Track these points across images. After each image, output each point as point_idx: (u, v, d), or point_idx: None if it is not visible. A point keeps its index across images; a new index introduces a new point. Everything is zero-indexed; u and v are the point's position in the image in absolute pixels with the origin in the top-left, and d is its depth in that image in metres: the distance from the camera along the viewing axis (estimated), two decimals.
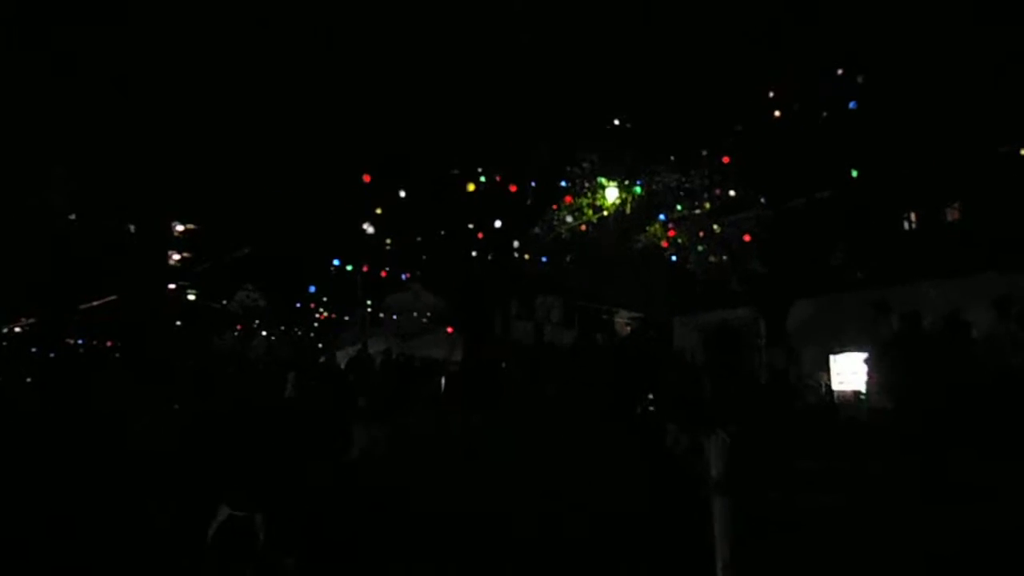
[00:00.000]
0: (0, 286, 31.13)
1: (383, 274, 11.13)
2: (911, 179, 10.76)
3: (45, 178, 33.70)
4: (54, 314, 24.57)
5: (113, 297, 20.57)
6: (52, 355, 24.19)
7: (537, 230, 11.34)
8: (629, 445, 5.89)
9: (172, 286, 25.45)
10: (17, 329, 29.23)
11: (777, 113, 9.33)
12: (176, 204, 27.50)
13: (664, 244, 12.53)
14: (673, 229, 11.39)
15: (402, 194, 9.61)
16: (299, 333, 20.19)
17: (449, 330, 15.84)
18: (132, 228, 33.68)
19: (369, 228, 9.19)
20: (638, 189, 10.61)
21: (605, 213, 12.43)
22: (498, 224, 9.93)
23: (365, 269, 10.76)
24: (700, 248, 12.50)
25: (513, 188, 9.87)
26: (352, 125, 9.16)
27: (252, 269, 19.26)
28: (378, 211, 9.37)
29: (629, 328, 21.34)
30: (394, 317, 17.66)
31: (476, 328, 11.35)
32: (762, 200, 11.06)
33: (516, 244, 10.42)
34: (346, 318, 19.12)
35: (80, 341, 23.70)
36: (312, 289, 13.55)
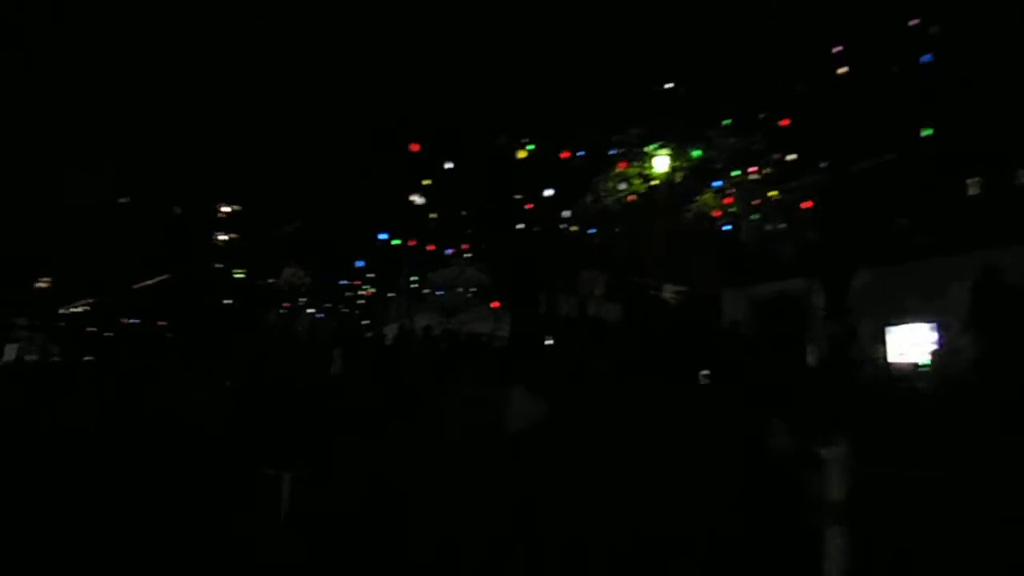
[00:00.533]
0: (57, 270, 32.23)
1: (430, 248, 10.97)
2: (985, 139, 10.08)
3: (93, 163, 34.59)
4: (109, 295, 25.28)
5: (165, 276, 20.99)
6: (109, 335, 24.98)
7: (589, 198, 11.01)
8: (717, 444, 5.19)
9: (219, 266, 25.88)
10: (75, 310, 30.25)
11: (843, 70, 8.78)
12: (220, 185, 27.87)
13: (716, 213, 12.09)
14: (730, 196, 10.93)
15: (449, 165, 9.38)
16: (344, 310, 20.33)
17: (494, 305, 15.70)
18: (178, 210, 34.43)
19: (418, 199, 9.00)
20: (697, 152, 10.16)
21: (655, 182, 12.03)
22: (549, 193, 9.62)
23: (412, 243, 10.63)
24: (755, 217, 12.02)
25: (565, 154, 9.54)
26: (400, 96, 8.95)
27: (298, 247, 19.38)
28: (426, 182, 9.16)
29: (675, 301, 20.91)
30: (438, 293, 17.59)
31: (524, 303, 11.14)
32: (824, 164, 10.51)
33: (566, 214, 10.10)
34: (390, 295, 19.14)
35: (135, 321, 24.35)
36: (360, 264, 13.48)
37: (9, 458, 6.81)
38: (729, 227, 12.36)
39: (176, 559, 4.85)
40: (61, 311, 26.38)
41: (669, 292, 22.47)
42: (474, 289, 17.59)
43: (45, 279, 34.09)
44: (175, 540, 5.09)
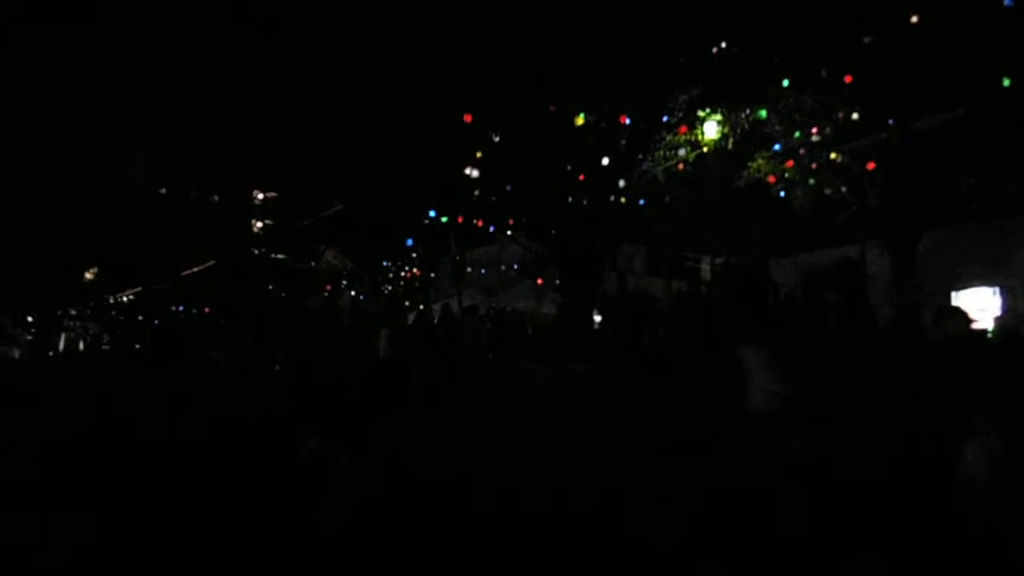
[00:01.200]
0: (104, 261, 32.92)
1: (479, 223, 10.75)
2: None
3: (132, 154, 35.15)
4: (157, 283, 25.72)
5: (212, 263, 21.24)
6: (157, 322, 25.48)
7: (646, 167, 10.63)
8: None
9: (257, 251, 26.14)
10: (124, 299, 30.96)
11: (915, 19, 8.23)
12: (257, 172, 28.03)
13: (771, 179, 11.62)
14: (792, 160, 10.46)
15: (496, 139, 9.13)
16: (388, 290, 20.34)
17: (539, 281, 15.48)
18: (216, 198, 34.85)
19: (473, 172, 8.77)
20: (762, 112, 9.72)
21: (705, 150, 11.60)
22: (605, 161, 9.29)
23: (460, 220, 10.42)
24: (812, 181, 11.53)
25: (623, 119, 9.19)
26: (445, 64, 8.69)
27: (339, 228, 19.38)
28: (479, 154, 8.92)
29: (714, 273, 20.57)
30: (482, 271, 17.46)
31: (575, 278, 10.88)
32: (890, 122, 9.96)
33: (622, 184, 9.77)
34: (432, 275, 19.07)
35: (182, 308, 24.78)
36: (409, 242, 13.34)
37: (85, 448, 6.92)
38: (783, 193, 11.88)
39: (244, 538, 4.86)
40: (111, 300, 26.97)
41: (708, 264, 22.03)
42: (516, 266, 17.42)
43: (93, 270, 34.94)
44: (242, 518, 5.11)
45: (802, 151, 10.53)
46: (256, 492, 5.35)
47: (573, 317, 10.97)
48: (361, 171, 10.41)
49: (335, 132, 9.84)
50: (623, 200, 11.11)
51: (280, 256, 22.88)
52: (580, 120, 8.37)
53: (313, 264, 21.79)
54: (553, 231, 11.09)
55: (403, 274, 19.41)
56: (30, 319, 34.87)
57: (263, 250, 23.87)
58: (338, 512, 5.28)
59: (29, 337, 34.08)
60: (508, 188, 9.55)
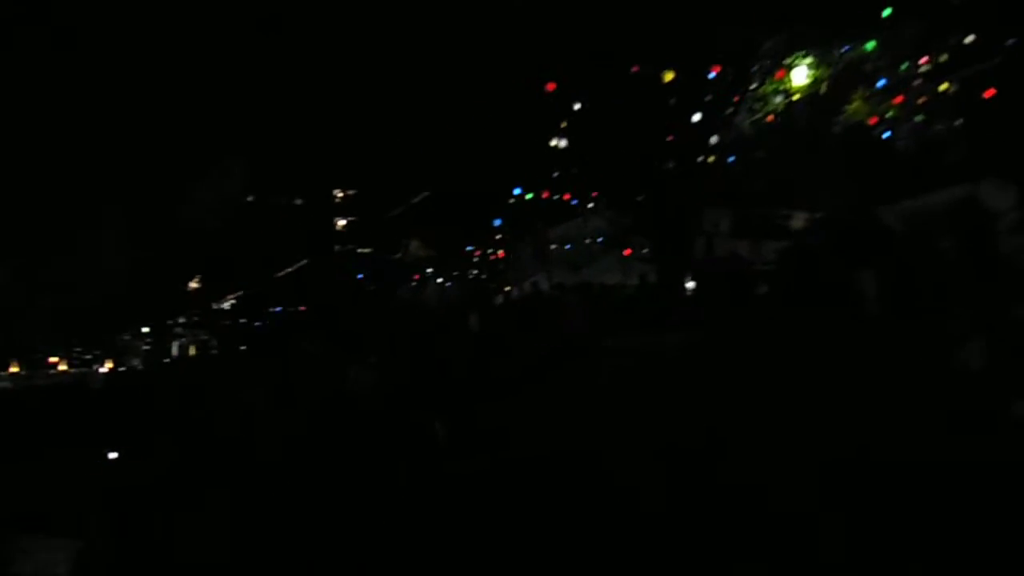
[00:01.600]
0: (205, 270, 34.80)
1: (565, 197, 10.56)
2: None
3: (220, 165, 36.90)
4: (254, 287, 26.98)
5: (304, 262, 22.02)
6: (258, 324, 26.75)
7: (739, 120, 10.14)
8: None
9: (343, 247, 26.92)
10: (224, 305, 32.68)
11: None
12: (336, 172, 28.84)
13: (872, 120, 10.84)
14: (901, 95, 9.70)
15: (578, 107, 8.90)
16: (474, 274, 20.51)
17: (626, 252, 15.12)
18: (299, 201, 36.15)
19: (560, 142, 8.59)
20: (870, 45, 9.04)
21: (795, 97, 10.95)
22: (696, 117, 8.91)
23: (545, 195, 10.27)
24: (919, 117, 10.68)
25: (716, 69, 8.75)
26: (522, 33, 8.50)
27: (422, 219, 19.65)
28: (563, 124, 8.73)
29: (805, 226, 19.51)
30: (567, 247, 17.27)
31: (667, 247, 10.55)
32: (1009, 42, 9.05)
33: (715, 140, 9.33)
34: (515, 256, 19.04)
35: (278, 309, 25.87)
36: (497, 222, 13.34)
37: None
38: (888, 134, 11.08)
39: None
40: (214, 307, 28.47)
41: (799, 221, 20.96)
42: (601, 240, 17.12)
43: (196, 279, 37.06)
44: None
45: (912, 84, 9.71)
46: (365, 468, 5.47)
47: (666, 286, 10.66)
48: (446, 156, 10.40)
49: (416, 120, 9.86)
50: (711, 159, 10.66)
51: (366, 250, 23.48)
52: (669, 76, 8.00)
53: (399, 255, 22.23)
54: (640, 199, 10.78)
55: (489, 257, 19.48)
56: (145, 330, 37.40)
57: (349, 246, 24.55)
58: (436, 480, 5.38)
59: (146, 347, 36.49)
60: (594, 157, 9.28)
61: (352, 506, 5.30)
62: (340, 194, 31.80)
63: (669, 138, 9.30)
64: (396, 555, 4.64)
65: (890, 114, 10.88)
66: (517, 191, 10.43)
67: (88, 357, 42.30)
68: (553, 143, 8.69)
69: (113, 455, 6.54)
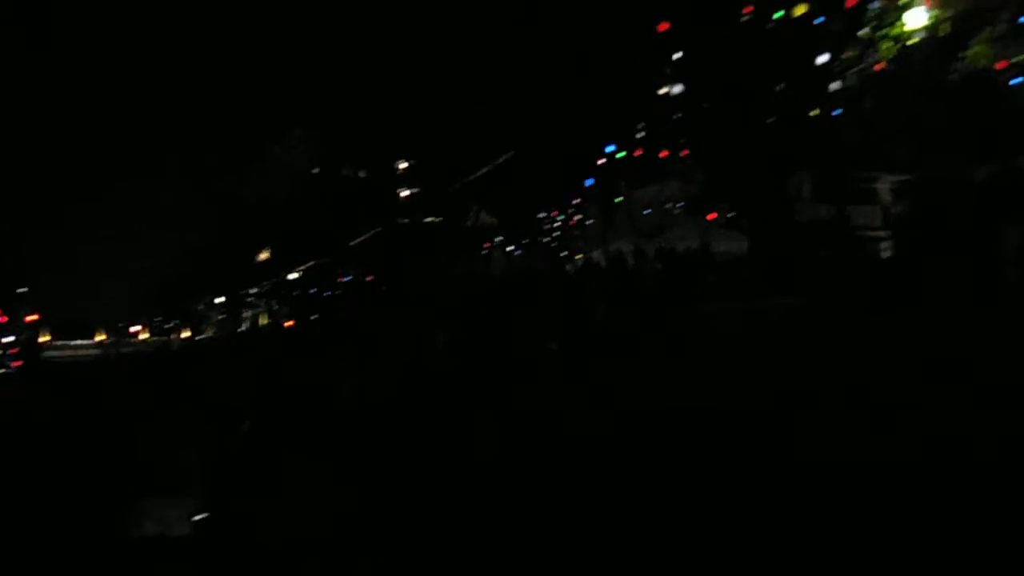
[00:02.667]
0: (274, 241, 35.51)
1: (663, 154, 9.94)
2: None
3: (288, 139, 37.45)
4: (327, 257, 27.28)
5: (374, 231, 22.03)
6: (327, 294, 27.09)
7: (863, 60, 9.27)
8: None
9: (409, 218, 26.86)
10: (292, 276, 33.30)
11: None
12: (401, 143, 28.76)
13: (1000, 64, 9.77)
14: None
15: (680, 56, 8.24)
16: (544, 242, 20.05)
17: (710, 216, 14.38)
18: (363, 173, 36.35)
19: (674, 88, 8.01)
20: None
21: (910, 42, 9.96)
22: (824, 58, 8.13)
23: (638, 153, 9.67)
24: None
25: (851, 2, 7.96)
26: None
27: (492, 186, 19.23)
28: (669, 71, 8.10)
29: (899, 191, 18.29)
30: (645, 212, 16.58)
31: (763, 209, 9.83)
32: None
33: (838, 86, 8.53)
34: (589, 222, 18.48)
35: (347, 279, 26.12)
36: (589, 183, 12.76)
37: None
38: (1019, 79, 9.98)
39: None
40: (288, 277, 28.99)
41: (884, 184, 19.62)
42: (681, 204, 16.39)
43: (266, 251, 37.91)
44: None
45: None
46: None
47: (765, 250, 9.99)
48: (536, 111, 9.89)
49: (504, 70, 9.35)
50: (815, 113, 9.84)
51: (434, 220, 23.32)
52: (801, 8, 7.27)
53: (469, 224, 21.98)
54: (738, 156, 10.05)
55: (563, 221, 18.94)
56: (218, 301, 38.63)
57: (417, 216, 24.45)
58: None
59: (221, 317, 37.68)
60: (699, 106, 8.62)
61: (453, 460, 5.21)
62: (403, 164, 31.78)
63: (779, 85, 8.55)
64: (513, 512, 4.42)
65: (1020, 57, 9.79)
66: (610, 148, 9.84)
67: (167, 326, 44.19)
68: (663, 91, 8.08)
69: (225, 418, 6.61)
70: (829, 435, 4.49)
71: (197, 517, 4.19)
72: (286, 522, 4.60)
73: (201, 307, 42.75)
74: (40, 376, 19.19)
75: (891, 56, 10.28)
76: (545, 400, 6.38)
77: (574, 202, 16.75)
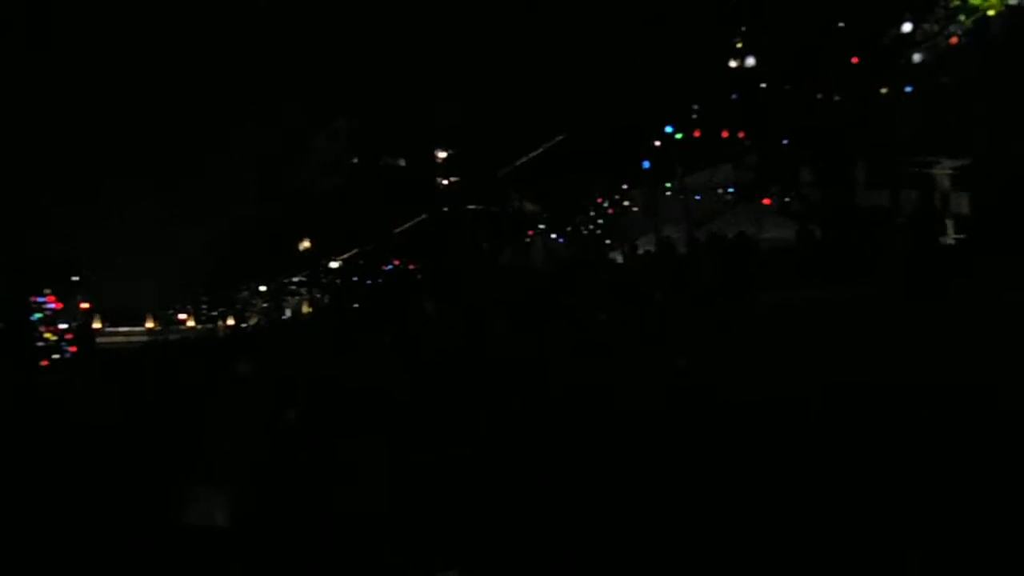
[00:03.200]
0: (315, 231, 35.85)
1: (724, 134, 9.45)
2: None
3: (332, 130, 37.73)
4: (365, 245, 27.35)
5: (423, 216, 21.92)
6: (370, 282, 27.15)
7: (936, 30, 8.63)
8: None
9: (450, 206, 26.70)
10: (334, 265, 33.54)
11: None
12: (439, 133, 28.63)
13: None
14: None
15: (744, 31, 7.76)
16: (586, 230, 19.60)
17: (766, 202, 13.78)
18: (402, 162, 36.38)
19: (747, 60, 7.54)
20: None
21: (990, 12, 9.27)
22: (907, 28, 7.57)
23: (697, 134, 9.21)
24: None
25: None
26: None
27: (537, 173, 18.86)
28: (739, 44, 7.63)
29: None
30: (697, 198, 16.00)
31: (818, 194, 9.27)
32: None
33: (918, 59, 7.95)
34: (635, 208, 17.96)
35: (391, 266, 26.12)
36: (646, 165, 12.29)
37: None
38: None
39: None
40: (332, 265, 29.18)
41: (942, 171, 18.65)
42: (732, 189, 15.78)
43: (307, 241, 38.31)
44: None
45: None
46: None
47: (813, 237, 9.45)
48: (589, 89, 9.50)
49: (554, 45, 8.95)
50: (884, 91, 9.24)
51: (476, 207, 23.10)
52: None
53: (511, 210, 21.69)
54: (797, 137, 9.52)
55: (610, 207, 18.42)
56: (262, 289, 39.22)
57: (460, 204, 24.28)
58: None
59: (265, 305, 38.27)
60: (764, 85, 8.13)
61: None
62: (443, 154, 31.63)
63: (854, 60, 8.00)
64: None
65: None
66: (668, 129, 9.38)
67: (214, 314, 45.09)
68: (734, 64, 7.62)
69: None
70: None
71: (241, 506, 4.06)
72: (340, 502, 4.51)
73: (244, 295, 43.49)
74: (95, 361, 19.69)
75: (967, 28, 9.60)
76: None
77: (623, 187, 16.25)
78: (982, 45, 10.10)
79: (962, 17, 9.46)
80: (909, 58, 9.09)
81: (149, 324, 43.80)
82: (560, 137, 13.94)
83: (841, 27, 7.88)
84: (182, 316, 47.11)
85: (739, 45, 7.65)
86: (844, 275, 8.84)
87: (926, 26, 8.77)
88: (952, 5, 9.28)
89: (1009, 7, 9.43)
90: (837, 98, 8.90)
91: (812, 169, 9.47)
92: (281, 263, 35.60)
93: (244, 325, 35.23)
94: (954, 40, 9.78)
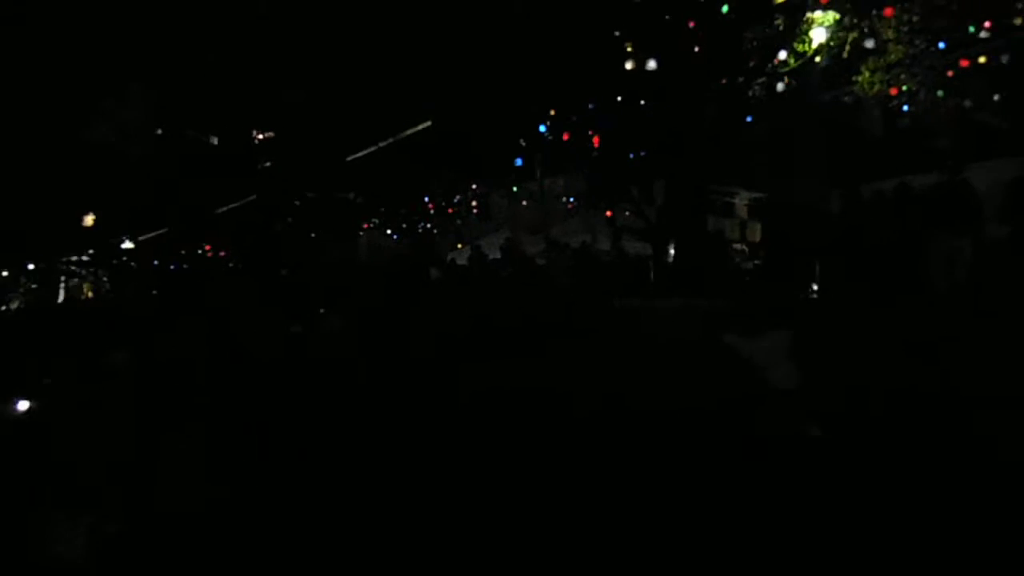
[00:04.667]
0: (102, 206, 31.35)
1: (596, 141, 9.38)
2: None
3: (123, 96, 33.21)
4: (166, 227, 24.35)
5: (252, 197, 19.89)
6: (172, 267, 24.22)
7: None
8: None
9: (270, 193, 24.70)
10: (128, 246, 29.54)
11: None
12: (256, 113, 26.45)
13: (893, 91, 10.31)
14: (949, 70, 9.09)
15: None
16: (423, 227, 19.03)
17: (608, 214, 14.21)
18: (215, 140, 33.10)
19: (651, 63, 7.30)
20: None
21: (818, 59, 10.26)
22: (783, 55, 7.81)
23: (566, 137, 9.06)
24: (940, 93, 10.24)
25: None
26: None
27: (371, 165, 17.93)
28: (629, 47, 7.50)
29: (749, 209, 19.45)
30: (523, 203, 16.11)
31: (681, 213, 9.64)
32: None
33: (782, 55, 8.27)
34: (474, 211, 17.77)
35: (199, 252, 23.53)
36: (519, 162, 11.86)
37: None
38: (907, 108, 10.60)
39: None
40: (122, 246, 25.60)
41: (742, 201, 20.88)
42: (572, 199, 16.17)
43: (91, 216, 33.31)
44: None
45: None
46: None
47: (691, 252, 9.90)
48: (454, 78, 8.99)
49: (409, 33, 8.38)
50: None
51: (309, 195, 21.57)
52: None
53: (344, 201, 20.50)
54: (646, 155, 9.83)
55: (446, 208, 18.05)
56: (30, 267, 33.45)
57: (283, 191, 22.54)
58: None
59: (34, 286, 32.80)
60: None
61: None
62: (261, 136, 29.26)
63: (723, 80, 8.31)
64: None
65: (908, 87, 10.38)
66: (542, 128, 9.18)
67: None
68: (629, 65, 7.50)
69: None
70: None
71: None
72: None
73: (6, 273, 36.86)
74: None
75: (791, 67, 10.53)
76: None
77: (472, 187, 15.95)
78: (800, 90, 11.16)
79: (791, 60, 10.36)
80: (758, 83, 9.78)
81: None
82: (427, 123, 13.25)
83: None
84: None
85: (629, 48, 7.65)
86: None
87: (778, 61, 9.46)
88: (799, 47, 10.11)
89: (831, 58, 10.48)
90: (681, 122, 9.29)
91: (641, 188, 9.84)
92: (58, 238, 30.58)
93: (3, 308, 29.87)
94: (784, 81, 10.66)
